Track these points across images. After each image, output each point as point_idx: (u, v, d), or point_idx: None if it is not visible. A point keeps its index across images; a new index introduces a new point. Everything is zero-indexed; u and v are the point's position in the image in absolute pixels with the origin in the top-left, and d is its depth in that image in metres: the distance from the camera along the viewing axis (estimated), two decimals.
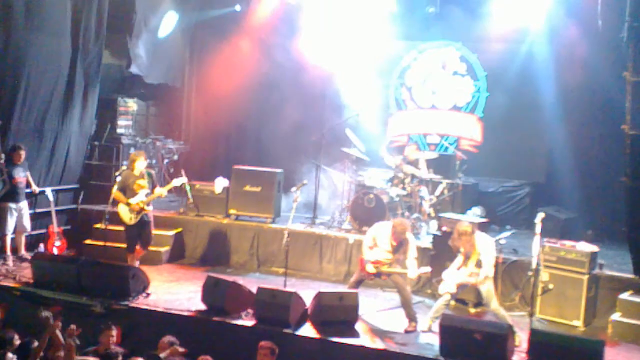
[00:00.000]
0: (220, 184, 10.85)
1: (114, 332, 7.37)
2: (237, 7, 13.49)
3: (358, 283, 8.53)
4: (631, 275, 8.77)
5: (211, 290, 8.35)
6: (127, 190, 9.27)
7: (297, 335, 7.77)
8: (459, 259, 8.00)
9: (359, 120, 12.03)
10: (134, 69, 12.31)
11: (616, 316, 8.36)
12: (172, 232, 10.83)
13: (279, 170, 11.23)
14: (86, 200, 11.59)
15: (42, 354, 6.57)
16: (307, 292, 8.46)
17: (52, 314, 7.04)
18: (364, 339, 7.74)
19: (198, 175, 12.05)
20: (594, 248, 8.76)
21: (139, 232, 9.39)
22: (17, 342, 6.87)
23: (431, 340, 7.70)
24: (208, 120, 13.66)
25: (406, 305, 8.20)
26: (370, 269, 8.26)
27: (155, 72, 13.09)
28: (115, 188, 9.31)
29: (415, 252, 8.25)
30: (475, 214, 10.56)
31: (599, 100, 11.51)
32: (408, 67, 13.65)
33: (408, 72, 13.65)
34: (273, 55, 13.43)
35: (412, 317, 8.16)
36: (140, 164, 9.35)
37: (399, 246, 8.23)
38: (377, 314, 8.71)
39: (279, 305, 7.92)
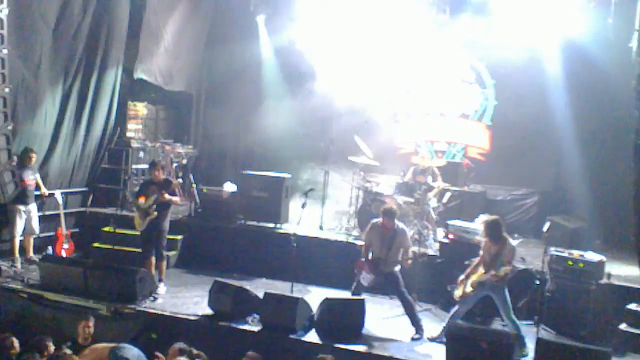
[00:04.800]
0: (229, 188, 10.86)
1: (91, 323, 7.42)
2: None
3: (361, 287, 8.45)
4: (639, 286, 8.74)
5: (218, 294, 8.38)
6: (146, 196, 9.19)
7: (303, 341, 7.79)
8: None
9: (367, 127, 12.05)
10: (155, 79, 12.40)
11: (623, 326, 8.31)
12: (179, 237, 10.83)
13: (287, 176, 11.25)
14: (95, 203, 11.62)
15: None
16: (314, 298, 8.48)
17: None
18: (370, 346, 7.74)
19: (206, 180, 12.08)
20: (602, 258, 8.72)
21: (147, 239, 9.20)
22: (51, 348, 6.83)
23: (437, 349, 7.69)
24: (217, 124, 13.69)
25: (411, 313, 8.19)
26: (368, 269, 8.23)
27: (175, 80, 13.14)
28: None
29: (409, 243, 8.27)
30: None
31: (608, 108, 11.45)
32: (416, 74, 13.63)
33: (417, 79, 13.64)
34: (283, 62, 13.48)
35: (417, 325, 8.14)
36: (157, 172, 9.25)
37: (392, 239, 8.18)
38: (384, 321, 8.70)
39: (285, 310, 7.94)
